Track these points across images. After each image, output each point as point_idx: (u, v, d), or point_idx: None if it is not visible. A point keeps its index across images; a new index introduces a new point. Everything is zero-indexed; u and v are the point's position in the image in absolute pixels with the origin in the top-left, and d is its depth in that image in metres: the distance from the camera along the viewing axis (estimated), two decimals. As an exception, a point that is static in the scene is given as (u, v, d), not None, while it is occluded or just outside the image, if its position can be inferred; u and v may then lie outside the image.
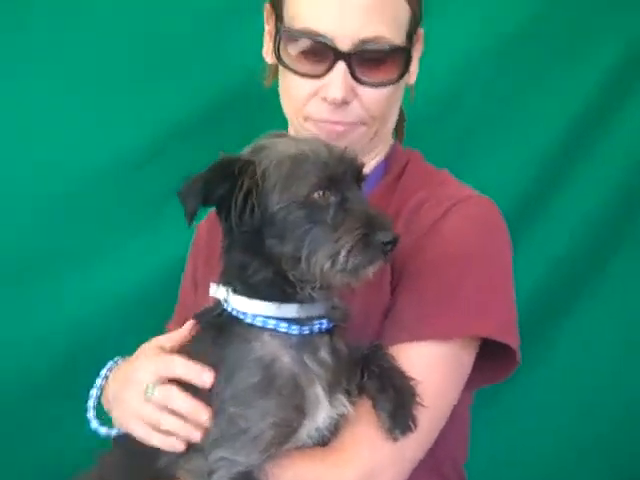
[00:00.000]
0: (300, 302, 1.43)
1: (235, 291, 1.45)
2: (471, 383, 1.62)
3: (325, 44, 1.61)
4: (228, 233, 1.44)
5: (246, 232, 1.40)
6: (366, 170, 1.72)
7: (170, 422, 1.42)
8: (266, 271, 1.41)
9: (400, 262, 1.61)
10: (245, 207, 1.38)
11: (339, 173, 1.38)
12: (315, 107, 1.68)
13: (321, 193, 1.37)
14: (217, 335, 1.46)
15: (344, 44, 1.61)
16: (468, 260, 1.57)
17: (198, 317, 1.53)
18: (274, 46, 1.70)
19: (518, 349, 1.57)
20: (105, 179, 2.27)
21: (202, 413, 1.40)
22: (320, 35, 1.61)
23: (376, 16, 1.61)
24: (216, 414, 1.40)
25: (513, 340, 1.57)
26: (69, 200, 2.27)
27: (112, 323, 2.33)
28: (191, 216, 1.37)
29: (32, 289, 2.28)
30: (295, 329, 1.44)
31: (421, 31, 1.78)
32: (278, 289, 1.42)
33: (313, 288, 1.41)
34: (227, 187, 1.38)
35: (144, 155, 2.29)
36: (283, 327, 1.43)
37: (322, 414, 1.44)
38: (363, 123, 1.71)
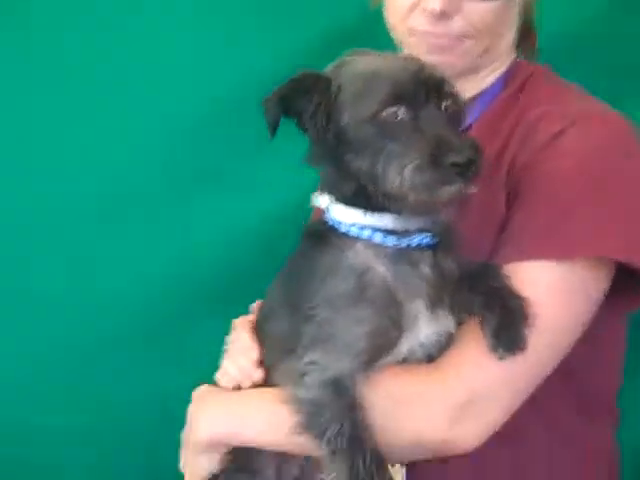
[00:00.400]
0: (397, 213, 1.39)
1: (336, 200, 1.44)
2: (611, 310, 1.52)
3: None
4: (311, 144, 1.42)
5: (327, 146, 1.38)
6: (481, 86, 1.73)
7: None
8: (350, 184, 1.39)
9: (515, 178, 1.54)
10: (317, 122, 1.37)
11: (411, 90, 1.33)
12: (417, 19, 1.64)
13: (392, 110, 1.33)
14: (315, 243, 1.46)
15: None
16: (587, 176, 1.46)
17: (305, 227, 1.55)
18: None
19: None
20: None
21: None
22: None
23: None
24: (308, 319, 1.40)
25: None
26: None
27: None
28: (272, 127, 1.38)
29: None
30: (391, 240, 1.40)
31: None
32: (368, 201, 1.39)
33: (400, 203, 1.36)
34: (302, 101, 1.38)
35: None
36: (378, 237, 1.40)
37: (424, 329, 1.40)
38: (469, 37, 1.65)
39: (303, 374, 1.38)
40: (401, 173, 1.30)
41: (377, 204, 1.38)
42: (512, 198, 1.53)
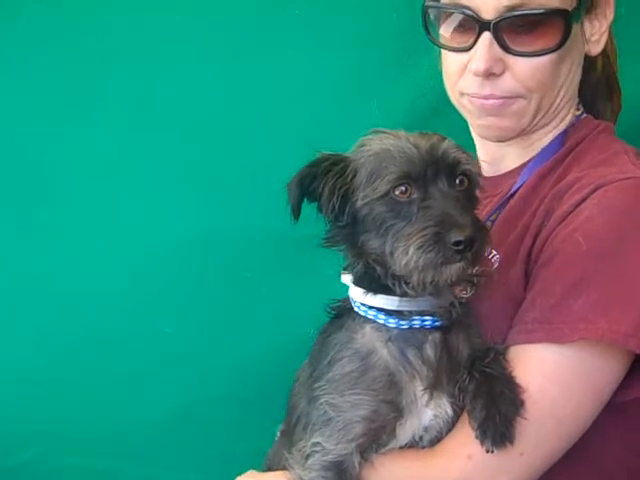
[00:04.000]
0: (402, 296, 1.39)
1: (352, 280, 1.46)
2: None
3: (471, 16, 1.56)
4: (329, 226, 1.44)
5: (344, 226, 1.40)
6: (537, 148, 1.68)
7: None
8: (360, 265, 1.41)
9: (535, 256, 1.48)
10: (332, 203, 1.38)
11: (421, 169, 1.33)
12: (465, 82, 1.63)
13: (403, 189, 1.33)
14: (334, 323, 1.49)
15: (488, 13, 1.54)
16: (596, 258, 1.38)
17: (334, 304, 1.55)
18: (423, 24, 1.67)
19: None
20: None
21: None
22: (464, 7, 1.56)
23: None
24: (315, 400, 1.43)
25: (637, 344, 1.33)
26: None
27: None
28: (293, 209, 1.41)
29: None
30: (393, 322, 1.40)
31: None
32: (377, 281, 1.40)
33: (407, 284, 1.35)
34: (320, 183, 1.39)
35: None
36: (381, 318, 1.41)
37: (425, 414, 1.39)
38: (520, 96, 1.60)
39: (308, 456, 1.42)
40: (406, 252, 1.30)
41: (385, 285, 1.39)
42: (530, 278, 1.47)
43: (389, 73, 2.26)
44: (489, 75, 1.57)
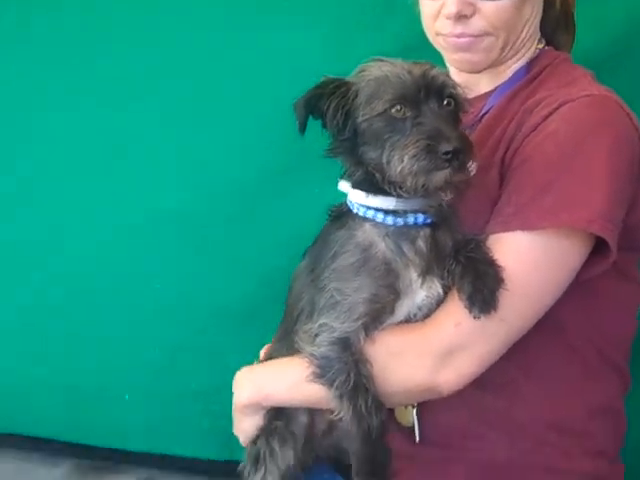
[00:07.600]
0: (398, 197, 1.62)
1: (351, 186, 1.70)
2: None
3: None
4: (332, 139, 1.68)
5: (345, 140, 1.64)
6: (506, 77, 1.92)
7: None
8: (360, 172, 1.65)
9: (508, 161, 1.73)
10: (336, 120, 1.62)
11: (414, 91, 1.57)
12: (440, 24, 1.87)
13: (398, 108, 1.57)
14: (334, 224, 1.73)
15: None
16: (560, 163, 1.63)
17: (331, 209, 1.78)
18: None
19: (610, 239, 1.61)
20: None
21: None
22: None
23: None
24: (323, 288, 1.67)
25: (600, 229, 1.60)
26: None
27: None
28: (301, 126, 1.64)
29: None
30: (390, 220, 1.64)
31: None
32: (375, 186, 1.64)
33: (401, 188, 1.59)
34: (325, 103, 1.63)
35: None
36: (379, 217, 1.64)
37: (419, 294, 1.64)
38: (488, 34, 1.83)
39: (316, 335, 1.67)
40: (402, 160, 1.54)
41: (382, 189, 1.63)
42: (504, 180, 1.73)
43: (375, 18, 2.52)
44: (460, 17, 1.81)
